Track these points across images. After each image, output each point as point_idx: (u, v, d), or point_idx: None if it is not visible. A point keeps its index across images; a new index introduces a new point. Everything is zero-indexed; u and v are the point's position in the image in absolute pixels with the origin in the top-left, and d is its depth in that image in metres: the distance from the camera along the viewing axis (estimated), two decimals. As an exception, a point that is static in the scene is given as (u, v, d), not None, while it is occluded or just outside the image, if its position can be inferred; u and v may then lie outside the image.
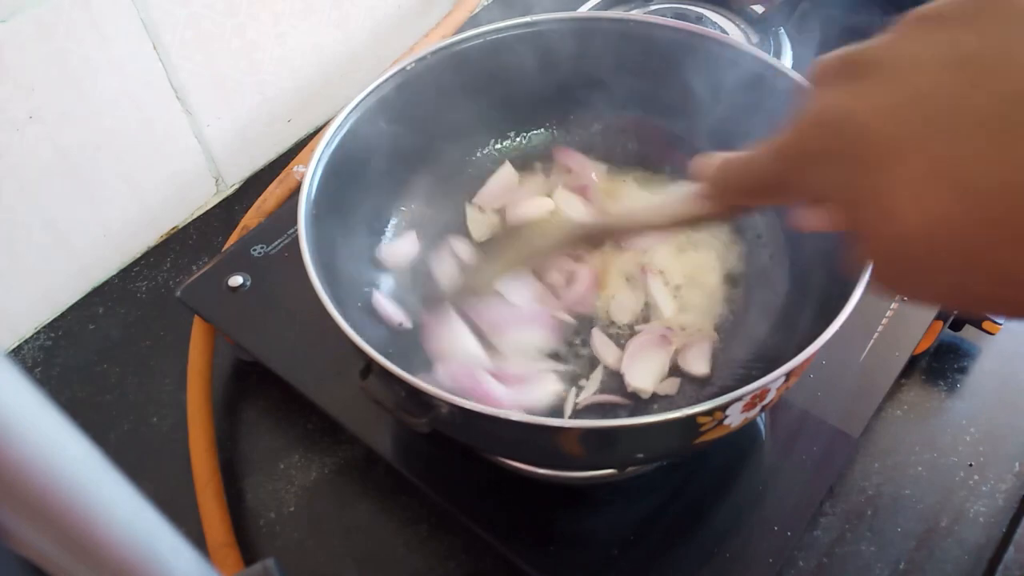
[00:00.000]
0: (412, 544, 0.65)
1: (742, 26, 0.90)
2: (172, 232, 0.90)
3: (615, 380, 0.64)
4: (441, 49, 0.70)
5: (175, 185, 0.88)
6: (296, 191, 0.63)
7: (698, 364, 0.64)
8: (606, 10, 0.93)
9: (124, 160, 0.82)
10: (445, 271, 0.71)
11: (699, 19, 0.90)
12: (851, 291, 0.51)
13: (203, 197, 0.92)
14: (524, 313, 0.66)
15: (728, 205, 0.47)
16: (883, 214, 0.33)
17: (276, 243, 0.77)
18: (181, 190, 0.89)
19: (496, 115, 0.75)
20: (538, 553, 0.59)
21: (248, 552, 0.65)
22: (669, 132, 0.74)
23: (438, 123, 0.73)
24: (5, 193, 0.73)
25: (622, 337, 0.67)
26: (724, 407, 0.48)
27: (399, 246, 0.72)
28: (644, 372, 0.63)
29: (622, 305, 0.68)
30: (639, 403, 0.63)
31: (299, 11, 0.90)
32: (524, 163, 0.77)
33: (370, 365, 0.52)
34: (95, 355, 0.80)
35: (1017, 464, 0.67)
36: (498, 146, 0.78)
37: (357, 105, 0.66)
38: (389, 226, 0.73)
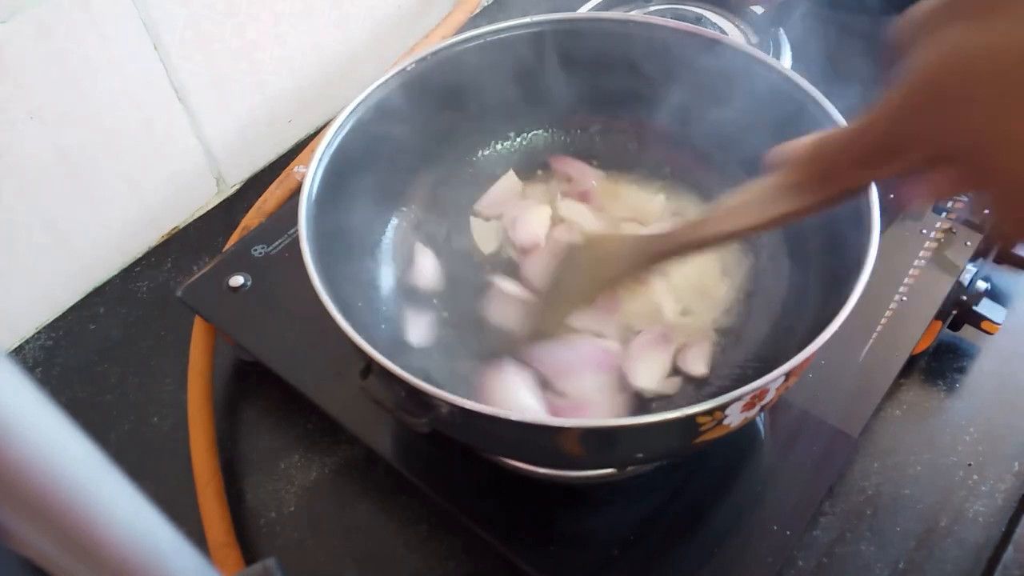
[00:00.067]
0: (412, 544, 0.65)
1: (741, 27, 0.90)
2: (173, 232, 0.90)
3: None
4: (442, 50, 0.70)
5: (176, 185, 0.88)
6: (297, 191, 0.63)
7: (697, 364, 0.64)
8: (606, 11, 0.93)
9: (125, 160, 0.82)
10: (505, 317, 0.68)
11: (698, 20, 0.90)
12: (850, 290, 0.51)
13: (204, 197, 0.92)
14: (588, 355, 0.63)
15: (832, 190, 0.44)
16: None
17: (277, 243, 0.78)
18: (182, 190, 0.89)
19: (496, 116, 0.75)
20: (538, 553, 0.59)
21: (248, 552, 0.65)
22: (669, 133, 0.74)
23: (439, 123, 0.73)
24: (5, 193, 0.74)
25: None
26: (724, 407, 0.48)
27: (421, 267, 0.71)
28: (647, 371, 0.63)
29: (639, 312, 0.67)
30: (641, 402, 0.63)
31: (299, 11, 0.90)
32: (526, 169, 0.77)
33: (370, 365, 0.52)
34: (96, 355, 0.80)
35: (1016, 464, 0.67)
36: (498, 147, 0.78)
37: (357, 106, 0.66)
38: (389, 227, 0.73)
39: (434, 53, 0.70)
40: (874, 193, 0.56)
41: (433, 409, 0.50)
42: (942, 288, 0.70)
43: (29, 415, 0.26)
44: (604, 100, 0.75)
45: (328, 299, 0.53)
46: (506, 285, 0.69)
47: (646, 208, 0.73)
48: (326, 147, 0.64)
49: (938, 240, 0.73)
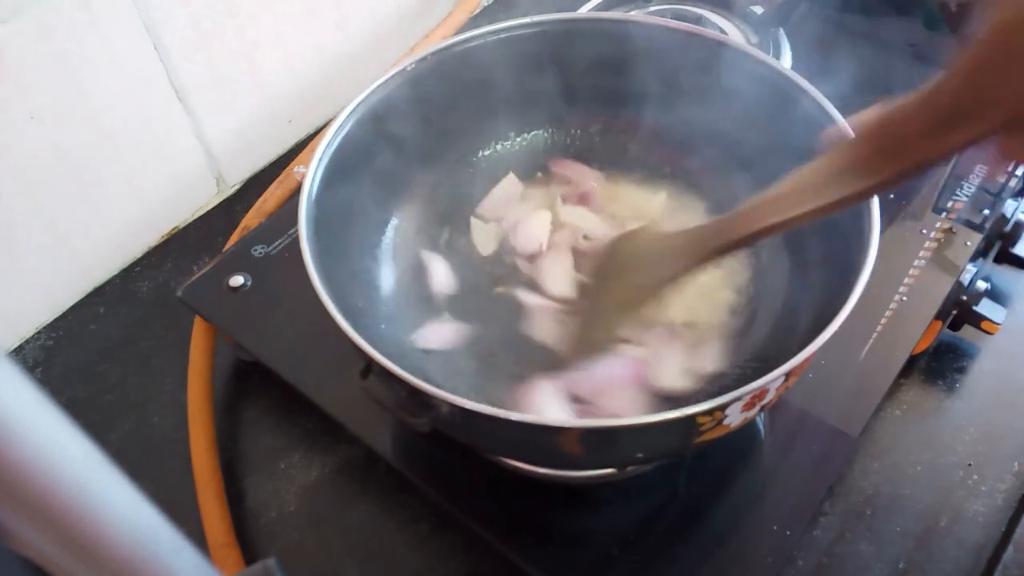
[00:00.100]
0: (412, 543, 0.65)
1: (741, 27, 0.90)
2: (173, 232, 0.90)
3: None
4: (442, 50, 0.70)
5: (176, 185, 0.88)
6: (297, 191, 0.63)
7: (712, 361, 0.63)
8: (606, 11, 0.93)
9: (125, 160, 0.82)
10: (547, 332, 0.66)
11: (698, 20, 0.90)
12: (850, 290, 0.51)
13: (204, 197, 0.92)
14: (625, 372, 0.62)
15: (899, 167, 0.41)
16: None
17: (277, 243, 0.78)
18: (182, 190, 0.89)
19: (497, 116, 0.75)
20: (538, 552, 0.59)
21: (249, 552, 0.65)
22: (669, 133, 0.74)
23: (439, 123, 0.73)
24: (5, 193, 0.74)
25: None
26: (724, 407, 0.48)
27: (434, 274, 0.71)
28: (671, 371, 0.63)
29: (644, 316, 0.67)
30: (665, 402, 0.62)
31: (300, 12, 0.90)
32: (526, 170, 0.77)
33: (370, 365, 0.52)
34: (96, 355, 0.80)
35: (1016, 464, 0.67)
36: (498, 147, 0.78)
37: (358, 106, 0.66)
38: (390, 227, 0.73)
39: (434, 53, 0.70)
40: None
41: (433, 409, 0.50)
42: (942, 288, 0.70)
43: (29, 415, 0.26)
44: (604, 100, 0.75)
45: (328, 299, 0.53)
46: (531, 299, 0.69)
47: (647, 208, 0.74)
48: (326, 147, 0.64)
49: (938, 240, 0.74)
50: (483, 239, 0.74)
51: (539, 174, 0.77)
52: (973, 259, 0.72)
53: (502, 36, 0.71)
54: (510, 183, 0.76)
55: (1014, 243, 0.78)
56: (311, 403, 0.67)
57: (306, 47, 0.93)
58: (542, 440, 0.51)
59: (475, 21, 1.03)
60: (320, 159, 0.63)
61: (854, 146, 0.41)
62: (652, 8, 0.94)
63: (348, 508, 0.68)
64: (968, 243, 0.73)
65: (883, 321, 0.69)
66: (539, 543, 0.60)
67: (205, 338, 0.75)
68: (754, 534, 0.60)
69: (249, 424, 0.74)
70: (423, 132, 0.72)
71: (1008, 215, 0.76)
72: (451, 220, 0.74)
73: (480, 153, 0.77)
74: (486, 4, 1.09)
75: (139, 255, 0.88)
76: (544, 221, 0.73)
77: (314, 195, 0.61)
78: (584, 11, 0.93)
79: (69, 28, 0.72)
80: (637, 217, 0.73)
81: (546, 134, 0.78)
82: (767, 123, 0.66)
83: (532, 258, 0.71)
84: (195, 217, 0.92)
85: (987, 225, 0.74)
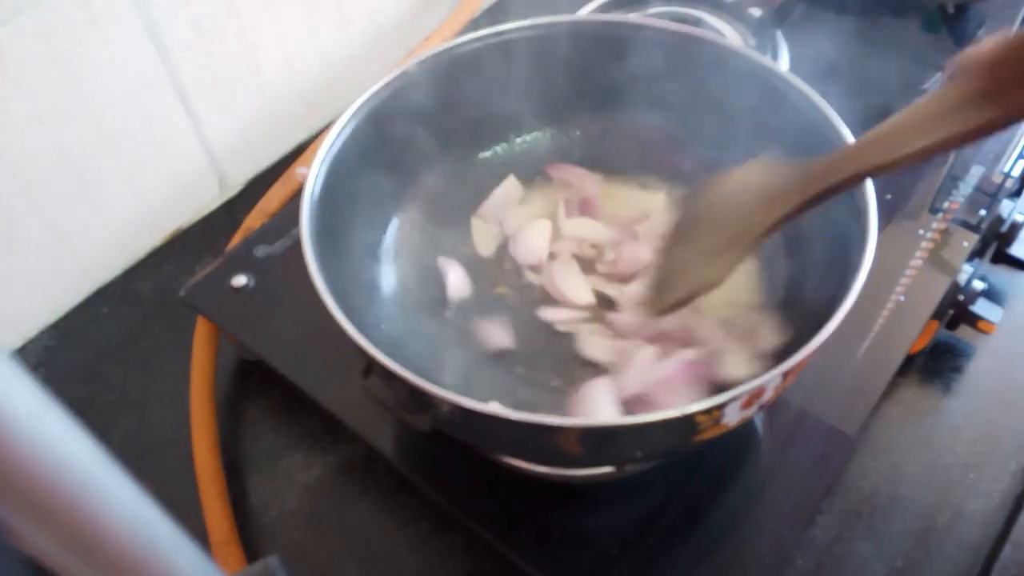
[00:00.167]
0: (413, 543, 0.66)
1: (739, 29, 0.90)
2: (175, 233, 0.90)
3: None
4: (442, 52, 0.70)
5: (178, 186, 0.89)
6: (299, 192, 0.63)
7: (771, 338, 0.63)
8: (606, 13, 0.94)
9: (126, 161, 0.82)
10: (590, 344, 0.66)
11: (697, 22, 0.90)
12: (848, 290, 0.51)
13: (206, 198, 0.92)
14: (681, 373, 0.61)
15: (1021, 100, 0.38)
16: None
17: (279, 243, 0.78)
18: (184, 191, 0.90)
19: (497, 118, 0.76)
20: (538, 552, 0.59)
21: (250, 550, 0.65)
22: (668, 134, 0.74)
23: (439, 125, 0.73)
24: (6, 194, 0.74)
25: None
26: (722, 406, 0.48)
27: (454, 281, 0.71)
28: (736, 361, 0.62)
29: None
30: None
31: (300, 13, 0.90)
32: (526, 171, 0.77)
33: (371, 364, 0.52)
34: (98, 355, 0.80)
35: (1014, 463, 0.67)
36: (498, 149, 0.78)
37: (359, 107, 0.66)
38: (391, 227, 0.73)
39: (435, 55, 0.70)
40: (871, 192, 0.56)
41: (434, 408, 0.50)
42: (939, 288, 0.70)
43: (32, 414, 0.26)
44: (604, 102, 0.75)
45: (330, 299, 0.53)
46: (559, 314, 0.68)
47: (647, 208, 0.74)
48: (328, 148, 0.64)
49: (935, 240, 0.74)
50: (483, 240, 0.74)
51: (538, 178, 0.77)
52: (970, 259, 0.73)
53: (502, 38, 0.71)
54: (510, 185, 0.76)
55: (1010, 243, 0.78)
56: (312, 402, 0.67)
57: (307, 48, 0.94)
58: (542, 439, 0.51)
59: (475, 23, 1.03)
60: (322, 160, 0.63)
61: (975, 76, 0.38)
62: (651, 10, 0.94)
63: (349, 507, 0.68)
64: (965, 243, 0.73)
65: (880, 320, 0.69)
66: (539, 543, 0.60)
67: (208, 338, 0.75)
68: (753, 533, 0.60)
69: (251, 423, 0.74)
70: (424, 134, 0.72)
71: (1004, 215, 0.77)
72: (452, 221, 0.75)
73: (480, 155, 0.78)
74: (486, 6, 1.09)
75: (141, 256, 0.88)
76: (544, 232, 0.73)
77: (316, 196, 0.61)
78: (584, 13, 0.94)
79: (69, 28, 0.72)
80: (637, 217, 0.73)
81: (546, 136, 0.78)
82: (765, 125, 0.66)
83: (537, 268, 0.71)
84: (198, 218, 0.92)
85: (984, 225, 0.74)
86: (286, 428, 0.73)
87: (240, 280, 0.75)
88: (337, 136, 0.65)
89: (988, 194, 0.77)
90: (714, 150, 0.72)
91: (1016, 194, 0.79)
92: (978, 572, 0.62)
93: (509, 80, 0.73)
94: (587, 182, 0.76)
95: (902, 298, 0.70)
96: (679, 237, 0.61)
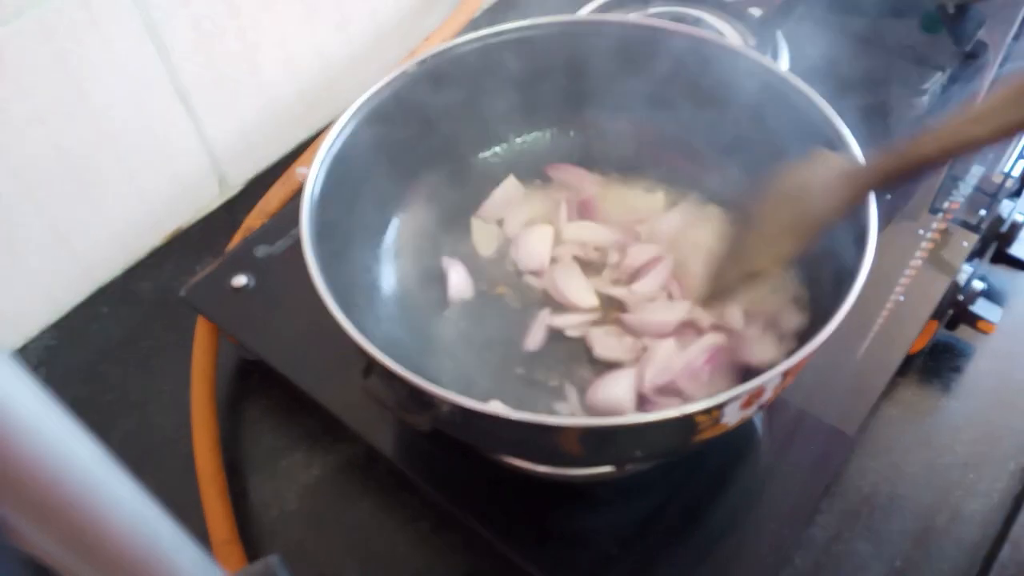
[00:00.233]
0: (413, 541, 0.66)
1: (739, 29, 0.90)
2: (176, 233, 0.90)
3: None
4: (442, 52, 0.70)
5: (178, 186, 0.89)
6: (299, 192, 0.64)
7: (794, 319, 0.64)
8: (605, 13, 0.94)
9: (126, 161, 0.82)
10: (601, 343, 0.67)
11: (697, 22, 0.90)
12: (848, 290, 0.51)
13: (207, 198, 0.92)
14: (702, 358, 0.62)
15: None
16: None
17: (279, 243, 0.78)
18: (184, 191, 0.90)
19: (497, 118, 0.76)
20: (538, 551, 0.60)
21: (251, 549, 0.65)
22: (668, 135, 0.74)
23: (439, 125, 0.73)
24: (6, 194, 0.74)
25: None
26: (721, 406, 0.48)
27: (456, 282, 0.71)
28: (762, 346, 0.63)
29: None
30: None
31: (300, 13, 0.90)
32: (526, 171, 0.77)
33: (371, 364, 0.52)
34: (99, 355, 0.80)
35: (1013, 463, 0.68)
36: (498, 149, 0.78)
37: (359, 108, 0.66)
38: (391, 227, 0.73)
39: (435, 55, 0.70)
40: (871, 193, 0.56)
41: (434, 408, 0.50)
42: (938, 288, 0.71)
43: (33, 414, 0.26)
44: (603, 102, 0.75)
45: (330, 299, 0.53)
46: (568, 320, 0.69)
47: (647, 208, 0.74)
48: (328, 148, 0.64)
49: (934, 240, 0.74)
50: (483, 240, 0.74)
51: (538, 180, 0.77)
52: (969, 259, 0.73)
53: (502, 38, 0.71)
54: (510, 185, 0.76)
55: (1010, 243, 0.78)
56: (313, 402, 0.68)
57: (307, 48, 0.94)
58: (542, 439, 0.51)
59: (475, 23, 1.03)
60: (322, 160, 0.63)
61: None
62: (651, 10, 0.94)
63: (349, 507, 0.68)
64: (964, 243, 0.73)
65: (880, 321, 0.69)
66: (539, 542, 0.60)
67: (208, 338, 0.75)
68: (752, 533, 0.60)
69: (251, 423, 0.74)
70: (424, 134, 0.72)
71: (1004, 216, 0.77)
72: (452, 221, 0.75)
73: (480, 155, 0.78)
74: (486, 7, 1.09)
75: (142, 256, 0.88)
76: (546, 237, 0.73)
77: (316, 196, 0.61)
78: (584, 13, 0.94)
79: (69, 28, 0.72)
80: (637, 218, 0.73)
81: (546, 136, 0.78)
82: (765, 124, 0.66)
83: (539, 273, 0.72)
84: (198, 218, 0.92)
85: (983, 226, 0.75)
86: (286, 428, 0.73)
87: (240, 280, 0.75)
88: (337, 136, 0.65)
89: (988, 194, 0.77)
90: (713, 149, 0.72)
91: (1016, 194, 0.79)
92: (977, 572, 0.62)
93: (508, 80, 0.73)
94: (587, 182, 0.76)
95: (902, 298, 0.70)
96: (742, 226, 0.62)
